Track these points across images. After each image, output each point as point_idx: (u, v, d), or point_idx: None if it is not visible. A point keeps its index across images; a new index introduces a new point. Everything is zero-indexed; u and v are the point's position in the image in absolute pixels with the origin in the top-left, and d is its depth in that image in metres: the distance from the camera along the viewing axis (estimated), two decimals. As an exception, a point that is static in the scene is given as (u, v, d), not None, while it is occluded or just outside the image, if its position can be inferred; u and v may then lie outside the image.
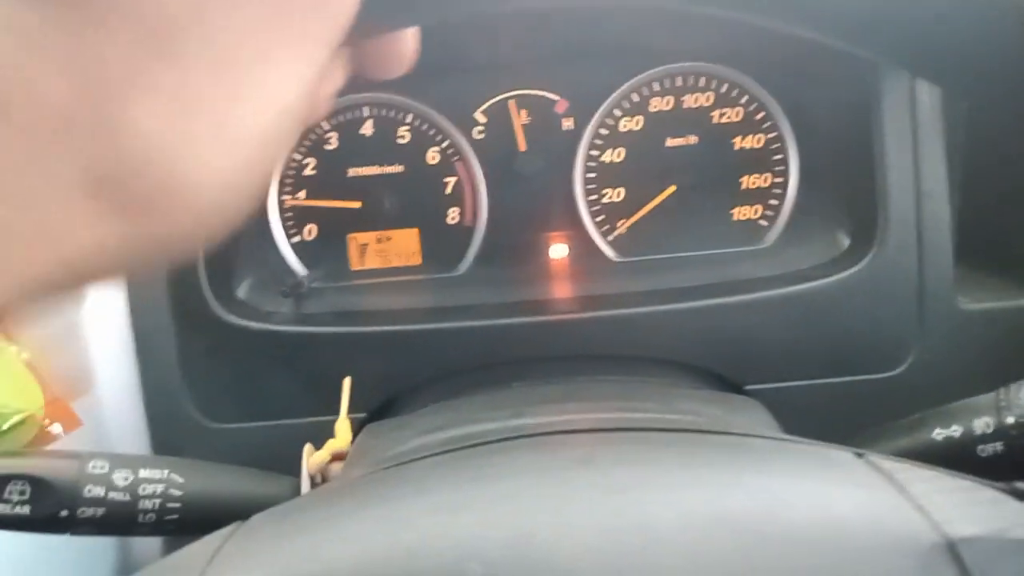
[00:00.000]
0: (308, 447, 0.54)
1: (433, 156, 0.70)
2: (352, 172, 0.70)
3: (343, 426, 0.53)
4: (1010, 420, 0.39)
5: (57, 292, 0.20)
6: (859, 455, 0.33)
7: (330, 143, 0.70)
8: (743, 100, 0.67)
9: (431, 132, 0.69)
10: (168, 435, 0.61)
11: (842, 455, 0.33)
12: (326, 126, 0.70)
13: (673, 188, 0.68)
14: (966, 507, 0.27)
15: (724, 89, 0.67)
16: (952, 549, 0.25)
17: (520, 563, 0.25)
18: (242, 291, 0.65)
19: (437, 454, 0.37)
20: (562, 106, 0.68)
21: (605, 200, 0.69)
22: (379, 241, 0.71)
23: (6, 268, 0.18)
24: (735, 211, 0.68)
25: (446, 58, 0.65)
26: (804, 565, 0.25)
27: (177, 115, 0.19)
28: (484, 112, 0.69)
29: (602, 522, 0.27)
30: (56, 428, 0.55)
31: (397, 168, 0.70)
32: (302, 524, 0.31)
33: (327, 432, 0.51)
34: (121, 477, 0.41)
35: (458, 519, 0.28)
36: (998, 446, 0.39)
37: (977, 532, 0.25)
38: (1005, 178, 0.58)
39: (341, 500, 0.33)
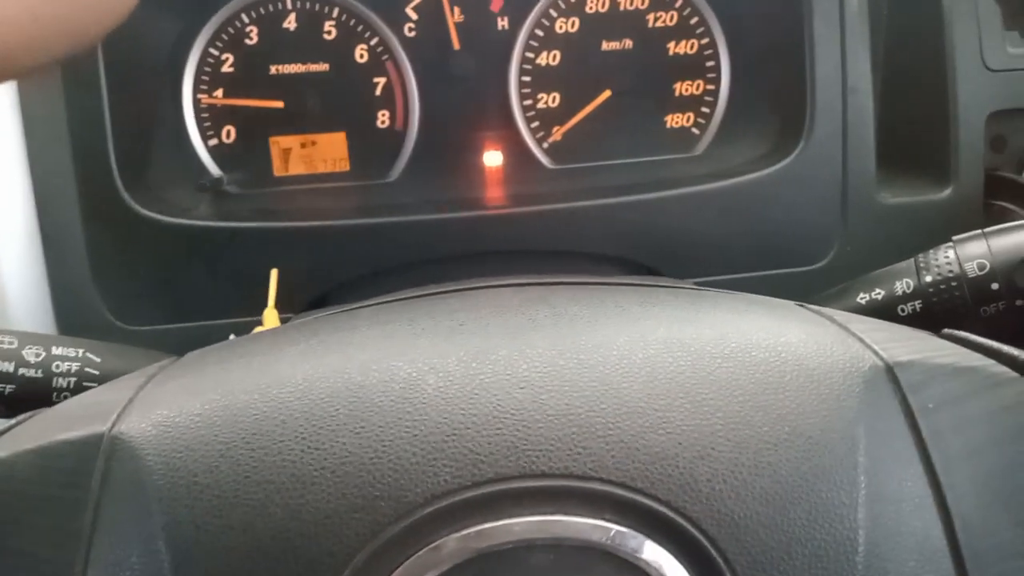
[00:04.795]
0: (232, 337, 0.51)
1: (361, 54, 0.66)
2: (274, 70, 0.66)
3: (271, 314, 0.51)
4: (928, 279, 0.41)
5: None
6: (800, 305, 0.34)
7: (250, 38, 0.66)
8: (677, 4, 0.67)
9: (359, 28, 0.66)
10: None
11: (786, 302, 0.34)
12: (245, 19, 0.65)
13: (608, 93, 0.67)
14: (899, 340, 0.29)
15: (659, -9, 0.67)
16: (889, 371, 0.27)
17: (478, 376, 0.25)
18: (156, 186, 0.61)
19: (390, 301, 0.35)
20: (497, 4, 0.66)
21: (540, 105, 0.68)
22: (303, 146, 0.68)
23: None
24: (668, 118, 0.68)
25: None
26: (755, 381, 0.26)
27: None
28: (415, 8, 0.66)
29: (560, 343, 0.27)
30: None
31: (322, 66, 0.66)
32: (248, 351, 0.29)
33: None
34: (32, 353, 0.39)
35: (414, 342, 0.27)
36: (916, 304, 0.41)
37: (910, 358, 0.27)
38: (925, 81, 0.60)
39: (287, 333, 0.31)
